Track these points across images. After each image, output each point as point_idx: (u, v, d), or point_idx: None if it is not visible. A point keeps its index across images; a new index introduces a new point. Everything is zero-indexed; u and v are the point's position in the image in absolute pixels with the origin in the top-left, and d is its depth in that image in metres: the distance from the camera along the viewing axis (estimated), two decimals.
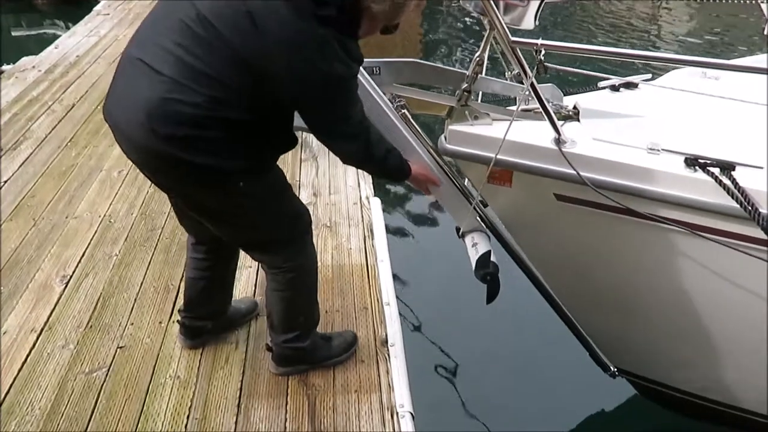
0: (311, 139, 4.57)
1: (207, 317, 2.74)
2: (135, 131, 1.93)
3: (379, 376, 2.65)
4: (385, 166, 2.28)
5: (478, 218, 2.61)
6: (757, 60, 3.03)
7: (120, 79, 2.00)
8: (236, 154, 1.99)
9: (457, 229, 2.70)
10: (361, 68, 2.05)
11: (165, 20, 1.93)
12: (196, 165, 1.94)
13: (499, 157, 2.40)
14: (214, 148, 1.94)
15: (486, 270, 2.50)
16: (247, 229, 2.30)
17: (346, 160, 2.29)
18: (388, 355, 2.74)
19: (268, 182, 2.22)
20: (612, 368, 3.00)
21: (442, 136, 2.49)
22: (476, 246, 2.58)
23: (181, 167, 1.97)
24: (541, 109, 2.26)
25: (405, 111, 2.40)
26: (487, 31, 2.23)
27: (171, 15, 1.91)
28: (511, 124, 2.29)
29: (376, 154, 2.19)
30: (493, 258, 2.53)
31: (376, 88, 2.29)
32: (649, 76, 2.89)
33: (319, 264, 3.28)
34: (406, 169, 2.34)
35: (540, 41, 2.12)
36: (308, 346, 2.59)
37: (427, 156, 2.43)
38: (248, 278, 3.20)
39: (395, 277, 3.24)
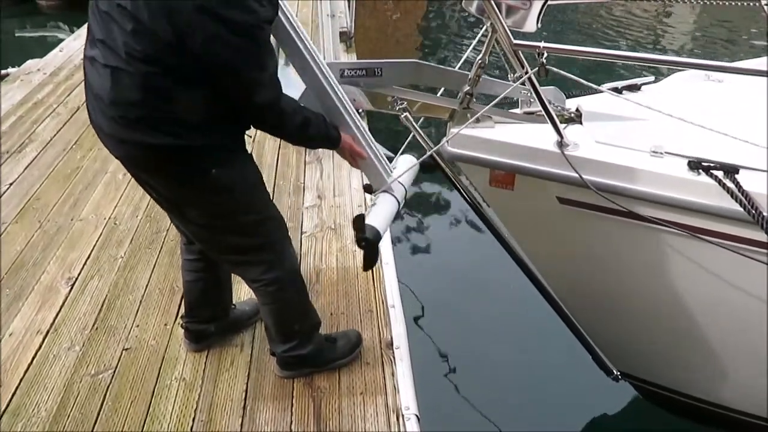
0: None
1: (209, 320, 2.75)
2: (104, 123, 2.00)
3: (384, 378, 2.65)
4: (305, 135, 2.17)
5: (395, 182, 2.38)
6: (761, 62, 3.03)
7: (85, 79, 2.05)
8: (191, 129, 1.97)
9: (369, 191, 2.50)
10: (296, 31, 2.01)
11: (94, 16, 1.95)
12: (157, 147, 1.97)
13: (502, 160, 2.41)
14: (167, 126, 1.95)
15: (359, 234, 2.21)
16: (222, 233, 2.28)
17: (258, 123, 2.14)
18: (394, 357, 2.74)
19: (244, 176, 2.20)
20: (615, 371, 3.01)
21: (444, 139, 2.50)
22: (373, 206, 2.35)
23: (148, 152, 2.00)
24: (543, 112, 2.27)
25: (407, 114, 2.39)
26: (489, 34, 2.23)
27: (95, 9, 1.93)
28: (474, 118, 2.32)
29: (291, 122, 2.08)
30: (372, 221, 2.23)
31: (316, 53, 2.14)
32: (652, 78, 2.90)
33: (323, 266, 3.33)
34: (333, 137, 2.22)
35: (542, 44, 2.11)
36: (310, 351, 2.59)
37: (356, 128, 2.29)
38: None
39: (400, 279, 3.24)
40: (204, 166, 2.06)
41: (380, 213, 2.28)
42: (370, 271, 3.28)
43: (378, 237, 2.19)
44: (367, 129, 2.32)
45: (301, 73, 2.16)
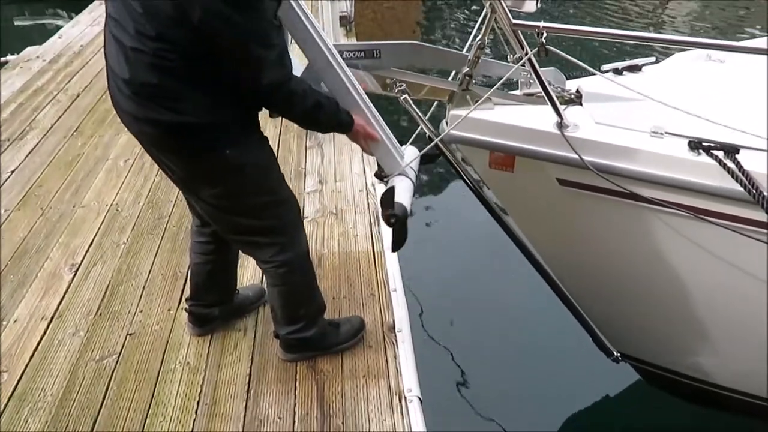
0: None
1: (214, 304, 2.76)
2: (121, 99, 2.03)
3: (386, 361, 2.66)
4: (316, 119, 2.17)
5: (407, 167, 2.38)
6: (762, 42, 3.02)
7: (105, 53, 2.07)
8: (202, 108, 2.00)
9: (380, 176, 2.45)
10: (304, 14, 2.00)
11: None
12: (170, 124, 2.00)
13: (501, 142, 2.40)
14: (179, 104, 1.97)
15: (388, 211, 2.20)
16: (235, 214, 2.29)
17: (267, 104, 2.13)
18: (396, 340, 2.75)
19: (258, 157, 2.21)
20: (615, 353, 3.01)
21: (444, 121, 2.50)
22: (395, 186, 2.32)
23: (160, 130, 2.03)
24: (543, 93, 2.26)
25: (406, 96, 2.39)
26: (489, 14, 2.21)
27: None
28: (478, 103, 2.31)
29: (301, 105, 2.07)
30: (400, 198, 2.23)
31: (324, 36, 2.14)
32: (653, 59, 2.88)
33: (325, 251, 3.33)
34: (345, 121, 2.21)
35: (542, 24, 2.11)
36: (314, 335, 2.61)
37: (368, 110, 2.28)
38: (255, 266, 3.19)
39: (401, 263, 3.25)
40: (216, 145, 2.07)
41: (404, 192, 2.27)
42: (372, 255, 3.30)
43: (407, 214, 2.19)
44: (376, 111, 2.31)
45: (307, 54, 2.15)
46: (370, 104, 2.28)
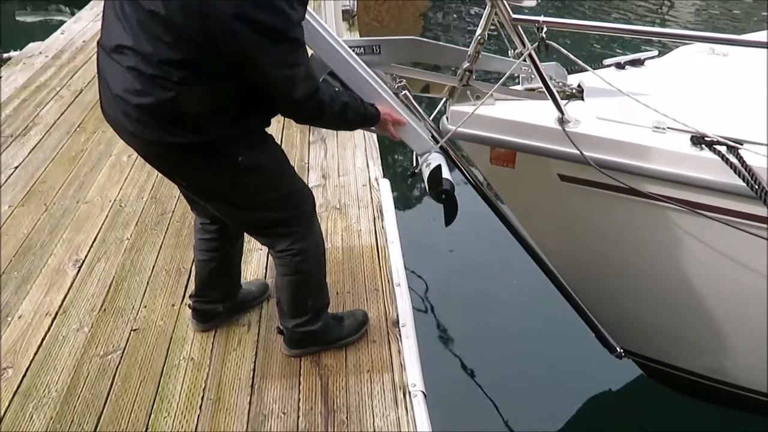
0: None
1: (218, 300, 2.77)
2: (127, 123, 2.01)
3: (391, 355, 2.67)
4: (345, 120, 2.21)
5: (436, 148, 2.44)
6: (764, 35, 3.01)
7: (101, 75, 2.06)
8: (221, 124, 2.01)
9: (413, 173, 2.50)
10: (308, 12, 2.01)
11: (118, 19, 1.96)
12: (186, 144, 2.00)
13: (502, 137, 2.40)
14: (198, 123, 1.98)
15: (439, 188, 2.30)
16: (254, 210, 2.31)
17: (297, 116, 2.22)
18: (400, 335, 2.76)
19: (269, 156, 2.24)
20: (618, 349, 3.00)
21: (444, 117, 2.49)
22: (429, 165, 2.39)
23: (176, 149, 2.03)
24: (543, 88, 2.25)
25: (406, 92, 2.38)
26: (488, 9, 2.21)
27: (119, 12, 1.96)
28: (482, 101, 2.32)
29: (330, 111, 2.11)
30: (446, 174, 2.33)
31: (332, 32, 2.20)
32: (656, 53, 2.87)
33: (329, 246, 3.33)
34: (372, 114, 2.27)
35: (542, 18, 2.10)
36: (319, 328, 2.61)
37: (389, 96, 2.33)
38: (259, 261, 3.24)
39: (405, 258, 3.25)
40: (232, 153, 2.09)
41: (446, 168, 2.34)
42: (375, 249, 3.30)
43: (454, 188, 2.28)
44: (394, 95, 2.34)
45: (319, 52, 2.18)
46: (389, 90, 2.32)
